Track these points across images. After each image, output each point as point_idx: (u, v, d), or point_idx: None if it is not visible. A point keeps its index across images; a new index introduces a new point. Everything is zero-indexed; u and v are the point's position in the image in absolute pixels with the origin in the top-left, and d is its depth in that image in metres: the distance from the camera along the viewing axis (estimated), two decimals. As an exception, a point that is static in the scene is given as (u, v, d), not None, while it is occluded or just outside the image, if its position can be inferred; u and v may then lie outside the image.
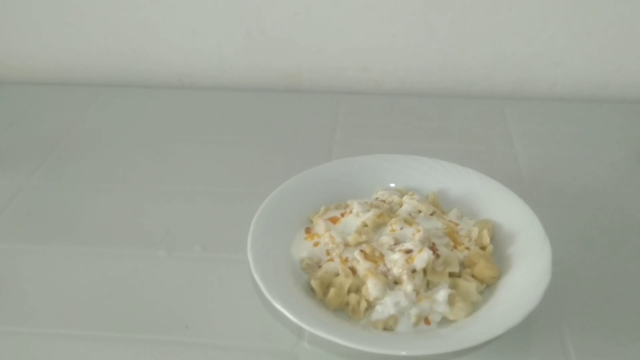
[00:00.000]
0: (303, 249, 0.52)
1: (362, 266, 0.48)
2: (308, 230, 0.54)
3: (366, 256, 0.49)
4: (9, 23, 0.83)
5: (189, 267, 0.54)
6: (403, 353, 0.42)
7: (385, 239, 0.50)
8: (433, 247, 0.48)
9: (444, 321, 0.46)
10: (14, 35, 0.84)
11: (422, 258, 0.47)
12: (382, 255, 0.49)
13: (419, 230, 0.50)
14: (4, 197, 0.63)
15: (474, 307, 0.47)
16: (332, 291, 0.47)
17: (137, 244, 0.56)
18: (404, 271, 0.47)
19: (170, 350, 0.47)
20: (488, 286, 0.49)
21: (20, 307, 0.50)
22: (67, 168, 0.67)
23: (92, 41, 0.83)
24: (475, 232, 0.52)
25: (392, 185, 0.58)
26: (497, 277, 0.49)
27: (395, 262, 0.48)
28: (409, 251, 0.48)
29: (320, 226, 0.53)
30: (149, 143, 0.71)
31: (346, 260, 0.50)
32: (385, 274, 0.48)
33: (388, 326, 0.45)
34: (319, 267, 0.50)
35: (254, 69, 0.83)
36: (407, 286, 0.47)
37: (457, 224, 0.53)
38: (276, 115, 0.77)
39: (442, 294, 0.46)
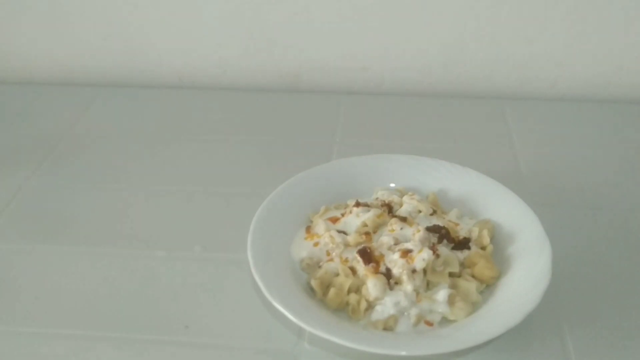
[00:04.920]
0: (303, 249, 0.52)
1: (362, 267, 0.48)
2: (308, 230, 0.54)
3: (364, 254, 0.49)
4: (9, 23, 0.83)
5: (189, 267, 0.54)
6: (403, 353, 0.42)
7: (385, 239, 0.50)
8: (433, 247, 0.48)
9: (444, 321, 0.46)
10: (14, 36, 0.84)
11: (422, 258, 0.47)
12: (382, 255, 0.49)
13: (418, 230, 0.50)
14: (4, 197, 0.63)
15: (474, 307, 0.47)
16: (332, 291, 0.47)
17: (137, 244, 0.56)
18: (404, 271, 0.47)
19: (170, 350, 0.47)
20: (488, 286, 0.49)
21: (20, 307, 0.50)
22: (67, 168, 0.67)
23: (92, 41, 0.83)
24: (475, 232, 0.52)
25: (392, 185, 0.58)
26: (497, 277, 0.49)
27: (395, 262, 0.48)
28: (408, 251, 0.48)
29: (320, 226, 0.53)
30: (149, 143, 0.71)
31: (346, 260, 0.50)
32: (385, 274, 0.48)
33: (388, 326, 0.45)
34: (319, 267, 0.50)
35: (254, 69, 0.83)
36: (407, 286, 0.47)
37: (457, 224, 0.53)
38: (276, 115, 0.77)
39: (442, 294, 0.46)
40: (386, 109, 0.77)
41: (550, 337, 0.47)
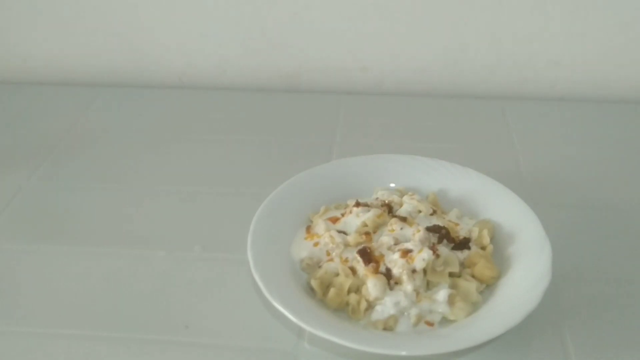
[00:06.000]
0: (303, 249, 0.52)
1: (362, 267, 0.48)
2: (308, 230, 0.54)
3: (364, 254, 0.48)
4: (9, 23, 0.83)
5: (189, 267, 0.54)
6: (403, 353, 0.42)
7: (385, 239, 0.50)
8: (433, 247, 0.48)
9: (444, 321, 0.46)
10: (14, 35, 0.84)
11: (422, 258, 0.47)
12: (382, 255, 0.49)
13: (418, 230, 0.50)
14: (4, 197, 0.63)
15: (474, 307, 0.47)
16: (332, 291, 0.47)
17: (137, 244, 0.56)
18: (404, 271, 0.47)
19: (170, 350, 0.47)
20: (488, 286, 0.49)
21: (20, 307, 0.50)
22: (67, 168, 0.67)
23: (92, 41, 0.83)
24: (475, 232, 0.52)
25: (392, 185, 0.58)
26: (497, 277, 0.49)
27: (395, 262, 0.48)
28: (408, 251, 0.48)
29: (320, 226, 0.53)
30: (149, 143, 0.71)
31: (346, 260, 0.50)
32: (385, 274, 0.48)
33: (388, 326, 0.45)
34: (319, 267, 0.50)
35: (254, 69, 0.83)
36: (407, 286, 0.47)
37: (457, 224, 0.53)
38: (276, 115, 0.77)
39: (442, 294, 0.46)
40: (386, 109, 0.77)
41: (550, 337, 0.47)
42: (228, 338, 0.47)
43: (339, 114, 0.76)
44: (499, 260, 0.50)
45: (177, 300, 0.51)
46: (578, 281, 0.51)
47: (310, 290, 0.48)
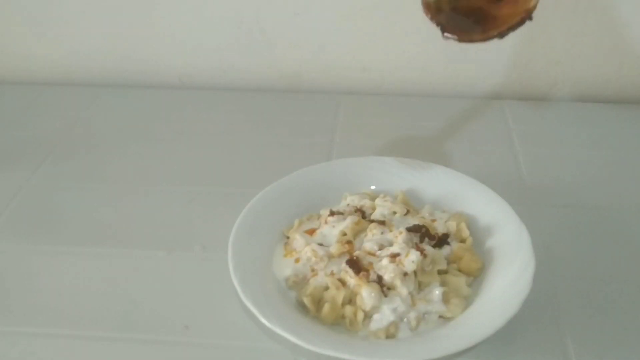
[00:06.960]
0: (285, 267, 0.50)
1: (353, 277, 0.47)
2: (285, 247, 0.52)
3: (354, 264, 0.48)
4: (9, 23, 0.83)
5: (189, 267, 0.54)
6: (430, 357, 0.41)
7: (369, 245, 0.49)
8: (418, 248, 0.48)
9: (442, 320, 0.46)
10: (14, 35, 0.84)
11: (411, 260, 0.47)
12: (370, 263, 0.48)
13: (401, 232, 0.49)
14: (4, 197, 0.63)
15: (467, 301, 0.47)
16: (326, 306, 0.46)
17: (137, 244, 0.56)
18: (396, 276, 0.46)
19: (170, 350, 0.47)
20: (475, 278, 0.49)
21: (20, 307, 0.50)
22: (67, 168, 0.67)
23: (92, 41, 0.83)
24: (452, 226, 0.52)
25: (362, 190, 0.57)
26: (482, 268, 0.49)
27: (386, 268, 0.47)
28: (396, 255, 0.47)
29: (299, 241, 0.51)
30: (148, 143, 0.71)
31: (332, 273, 0.48)
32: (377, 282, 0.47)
33: (390, 334, 0.45)
34: (307, 283, 0.49)
35: (254, 69, 0.83)
36: (402, 290, 0.46)
37: (434, 220, 0.53)
38: (276, 115, 0.77)
39: (436, 293, 0.46)
40: (386, 109, 0.77)
41: (550, 337, 0.47)
42: (228, 338, 0.47)
43: (338, 114, 0.76)
44: (479, 251, 0.51)
45: (177, 300, 0.51)
46: (578, 281, 0.51)
47: (301, 308, 0.47)
